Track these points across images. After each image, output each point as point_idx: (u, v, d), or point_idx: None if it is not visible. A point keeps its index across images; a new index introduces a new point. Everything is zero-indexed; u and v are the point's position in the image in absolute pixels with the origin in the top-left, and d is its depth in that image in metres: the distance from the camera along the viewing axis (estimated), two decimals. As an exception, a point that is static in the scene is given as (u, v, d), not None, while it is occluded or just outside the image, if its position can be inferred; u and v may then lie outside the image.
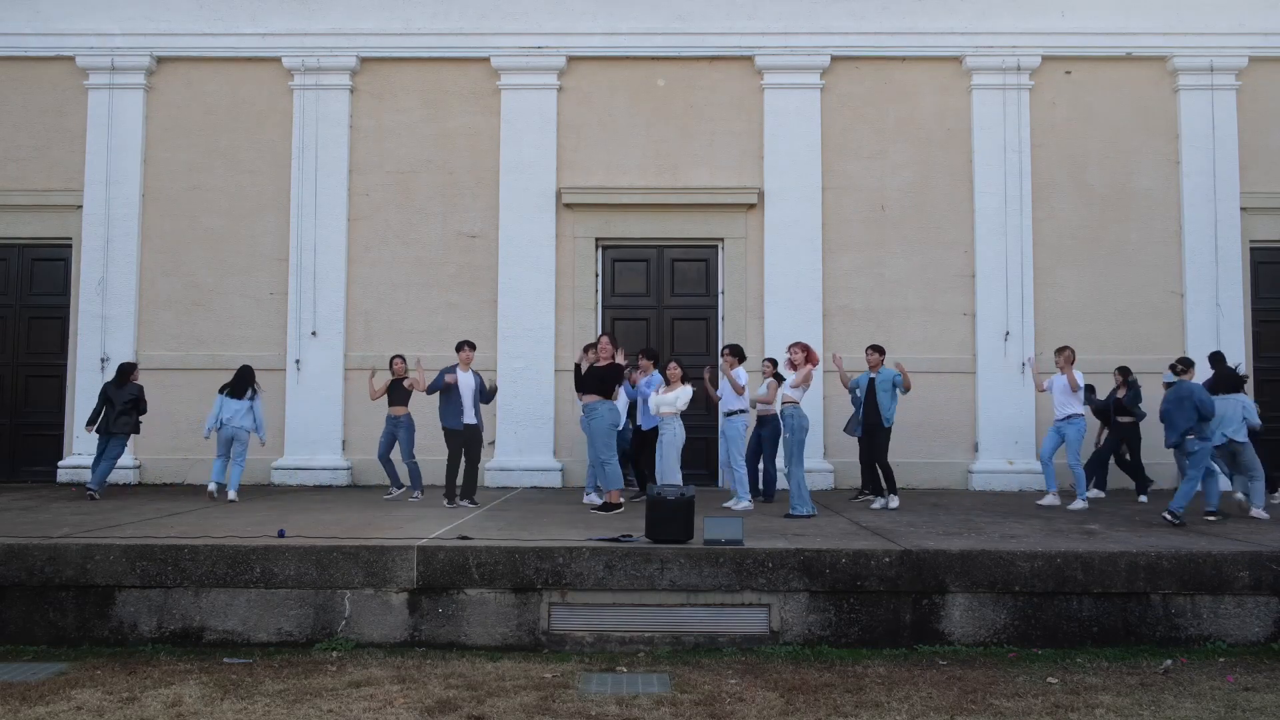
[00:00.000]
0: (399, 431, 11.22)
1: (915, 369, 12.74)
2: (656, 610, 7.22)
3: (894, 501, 10.43)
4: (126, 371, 11.63)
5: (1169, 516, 8.98)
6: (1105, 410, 11.79)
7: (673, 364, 10.41)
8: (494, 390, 10.81)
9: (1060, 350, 11.07)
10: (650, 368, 11.13)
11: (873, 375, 10.71)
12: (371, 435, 13.18)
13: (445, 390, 10.17)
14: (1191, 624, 7.22)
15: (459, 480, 10.31)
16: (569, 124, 13.55)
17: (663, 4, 13.45)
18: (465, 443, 10.29)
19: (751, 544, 7.46)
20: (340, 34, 13.49)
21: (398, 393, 11.28)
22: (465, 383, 10.26)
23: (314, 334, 13.29)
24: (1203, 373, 10.73)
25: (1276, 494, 11.39)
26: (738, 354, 10.74)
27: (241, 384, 11.15)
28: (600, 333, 11.67)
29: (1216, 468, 9.87)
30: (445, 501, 10.29)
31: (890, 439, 10.70)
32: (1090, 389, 11.61)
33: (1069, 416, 10.82)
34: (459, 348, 10.50)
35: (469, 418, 10.29)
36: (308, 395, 13.17)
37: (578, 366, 10.18)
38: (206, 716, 5.50)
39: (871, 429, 10.64)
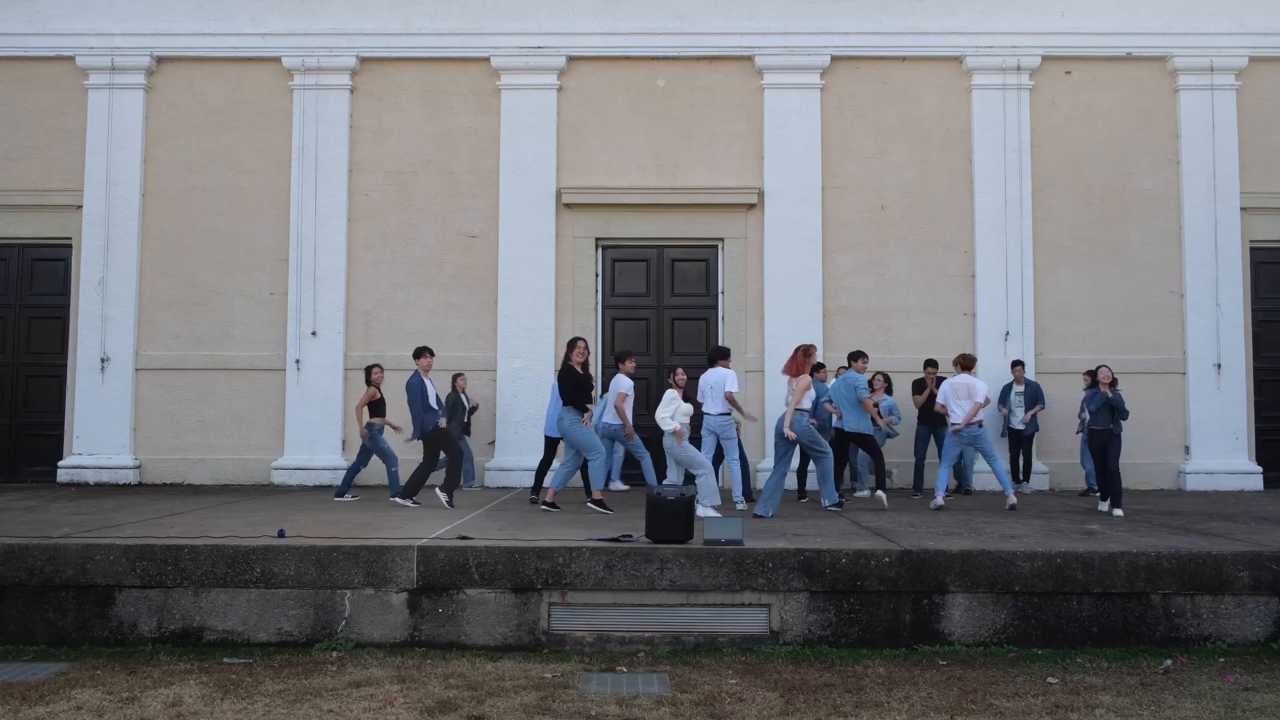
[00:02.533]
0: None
1: (916, 369, 12.76)
2: (656, 610, 7.22)
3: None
4: (454, 379, 12.36)
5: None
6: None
7: (680, 371, 10.38)
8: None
9: (960, 359, 10.94)
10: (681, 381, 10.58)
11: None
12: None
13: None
14: (1191, 624, 7.21)
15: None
16: (569, 124, 13.55)
17: (663, 4, 13.45)
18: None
19: (751, 544, 7.46)
20: (340, 34, 13.49)
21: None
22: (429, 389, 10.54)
23: (314, 334, 13.29)
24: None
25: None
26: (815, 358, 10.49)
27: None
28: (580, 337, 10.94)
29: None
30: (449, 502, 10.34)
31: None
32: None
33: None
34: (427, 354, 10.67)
35: None
36: (308, 395, 13.17)
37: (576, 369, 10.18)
38: (206, 716, 5.50)
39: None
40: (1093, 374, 12.10)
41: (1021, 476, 12.67)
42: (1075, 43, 13.43)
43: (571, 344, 10.16)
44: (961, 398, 10.50)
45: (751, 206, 13.40)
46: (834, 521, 9.23)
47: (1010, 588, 7.23)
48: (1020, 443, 12.65)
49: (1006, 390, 12.70)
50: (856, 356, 11.28)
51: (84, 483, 13.05)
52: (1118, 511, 9.83)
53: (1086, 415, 11.88)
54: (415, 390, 10.30)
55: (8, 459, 13.62)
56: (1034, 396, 12.58)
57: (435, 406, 10.41)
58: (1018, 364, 12.71)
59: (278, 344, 13.40)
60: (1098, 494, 12.05)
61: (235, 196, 13.57)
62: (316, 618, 7.23)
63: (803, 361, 9.77)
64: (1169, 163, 13.47)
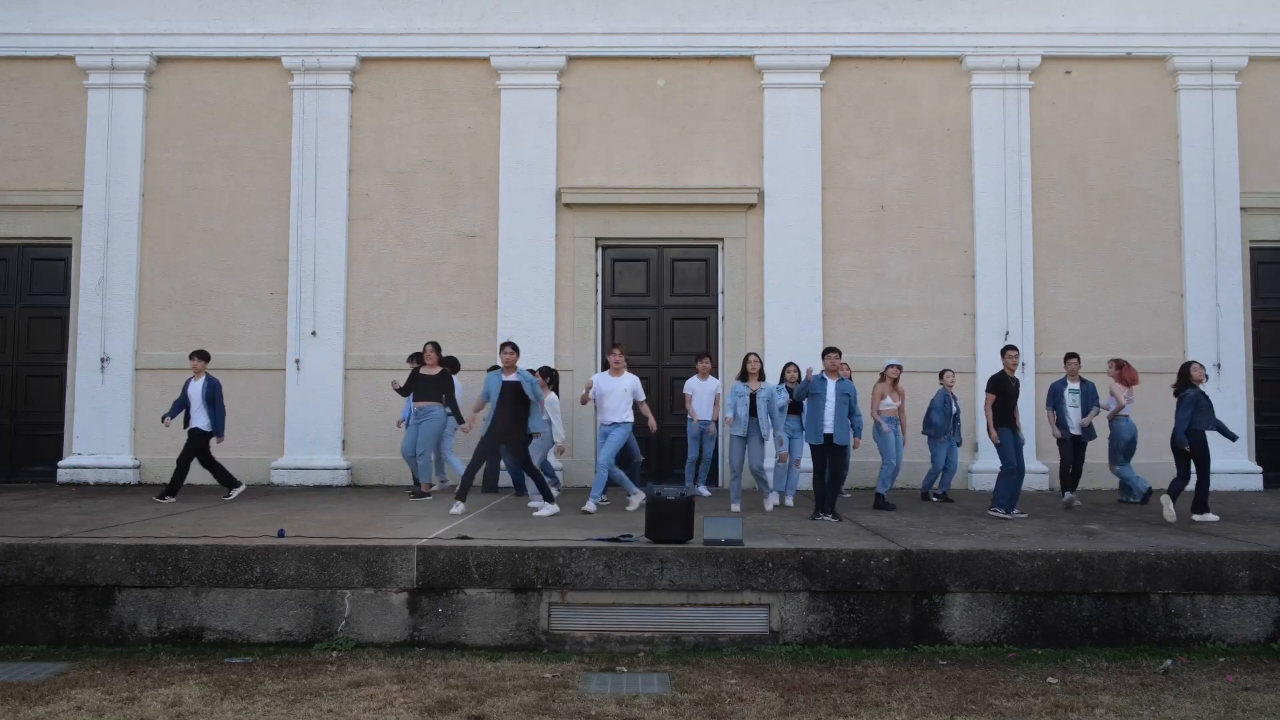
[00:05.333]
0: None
1: (915, 369, 12.76)
2: (656, 610, 7.22)
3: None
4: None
5: None
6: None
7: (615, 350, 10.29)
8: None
9: (615, 348, 10.29)
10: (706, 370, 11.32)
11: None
12: (370, 435, 13.23)
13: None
14: (1191, 624, 7.22)
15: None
16: (569, 124, 13.55)
17: (663, 4, 13.46)
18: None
19: (751, 544, 7.46)
20: (340, 34, 13.49)
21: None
22: (196, 390, 11.02)
23: (314, 334, 13.29)
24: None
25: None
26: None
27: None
28: (506, 342, 10.18)
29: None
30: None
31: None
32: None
33: (617, 423, 9.98)
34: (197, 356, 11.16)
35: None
36: (308, 395, 13.16)
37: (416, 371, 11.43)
38: (206, 716, 5.50)
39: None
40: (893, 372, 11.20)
41: (1070, 487, 10.94)
42: (1075, 43, 13.44)
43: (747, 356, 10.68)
44: (620, 397, 9.93)
45: (751, 206, 13.40)
46: (834, 521, 9.22)
47: (1010, 588, 7.23)
48: (1076, 450, 11.01)
49: (1058, 390, 11.09)
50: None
51: (84, 483, 13.05)
52: (1211, 516, 9.43)
53: (935, 418, 11.21)
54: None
55: (8, 459, 13.62)
56: (1090, 395, 11.00)
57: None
58: (1071, 357, 11.27)
59: (278, 344, 13.41)
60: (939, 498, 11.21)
61: (235, 196, 13.57)
62: (316, 618, 7.23)
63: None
64: (1169, 163, 13.47)
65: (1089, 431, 11.03)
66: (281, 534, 7.86)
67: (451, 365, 11.97)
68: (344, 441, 13.26)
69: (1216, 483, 12.84)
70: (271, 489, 12.63)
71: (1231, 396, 13.10)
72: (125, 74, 13.53)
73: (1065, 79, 13.55)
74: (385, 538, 7.73)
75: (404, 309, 13.43)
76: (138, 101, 13.56)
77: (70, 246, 13.64)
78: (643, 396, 10.17)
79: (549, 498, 9.62)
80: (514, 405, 9.59)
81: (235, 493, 11.17)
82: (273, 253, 13.51)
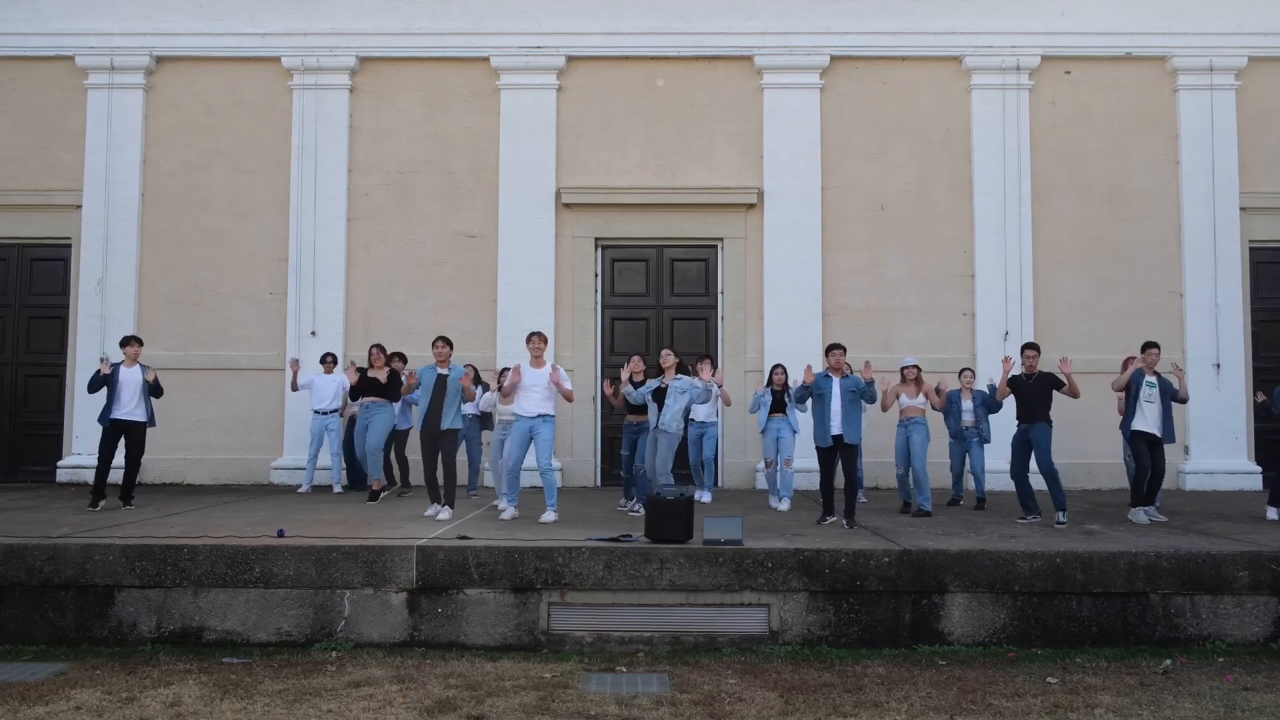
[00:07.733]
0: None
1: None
2: (656, 610, 7.22)
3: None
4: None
5: None
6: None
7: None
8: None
9: (536, 335, 9.59)
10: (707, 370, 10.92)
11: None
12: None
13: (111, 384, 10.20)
14: (1191, 624, 7.22)
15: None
16: (569, 124, 13.55)
17: (662, 4, 13.46)
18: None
19: (751, 544, 7.46)
20: (340, 34, 13.49)
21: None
22: (129, 378, 10.24)
23: (313, 334, 13.29)
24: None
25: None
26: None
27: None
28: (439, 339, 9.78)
29: None
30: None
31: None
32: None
33: (543, 415, 9.35)
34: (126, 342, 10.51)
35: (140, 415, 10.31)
36: (307, 395, 13.13)
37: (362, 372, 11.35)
38: (206, 716, 5.50)
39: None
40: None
41: (1147, 496, 9.62)
42: (1075, 43, 13.44)
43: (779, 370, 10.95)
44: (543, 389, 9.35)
45: (751, 206, 13.40)
46: (846, 527, 9.21)
47: (1010, 587, 7.23)
48: (1155, 452, 9.56)
49: (1135, 382, 9.56)
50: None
51: (84, 483, 13.00)
52: None
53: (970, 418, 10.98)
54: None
55: (8, 459, 13.62)
56: (1168, 391, 9.64)
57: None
58: (1151, 346, 9.72)
59: (277, 344, 13.40)
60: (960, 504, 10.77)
61: (235, 196, 13.57)
62: (316, 618, 7.23)
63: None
64: (1169, 163, 13.47)
65: (1169, 433, 9.64)
66: (281, 534, 7.87)
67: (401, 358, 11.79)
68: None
69: (1215, 482, 12.94)
70: (271, 489, 12.63)
71: (1231, 396, 13.11)
72: (125, 74, 13.53)
73: (1065, 79, 13.55)
74: (385, 538, 7.73)
75: (404, 309, 13.42)
76: (137, 101, 13.56)
77: (70, 246, 13.64)
78: (569, 385, 9.52)
79: (449, 500, 9.37)
80: (447, 400, 9.39)
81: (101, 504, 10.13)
82: (272, 253, 13.51)
